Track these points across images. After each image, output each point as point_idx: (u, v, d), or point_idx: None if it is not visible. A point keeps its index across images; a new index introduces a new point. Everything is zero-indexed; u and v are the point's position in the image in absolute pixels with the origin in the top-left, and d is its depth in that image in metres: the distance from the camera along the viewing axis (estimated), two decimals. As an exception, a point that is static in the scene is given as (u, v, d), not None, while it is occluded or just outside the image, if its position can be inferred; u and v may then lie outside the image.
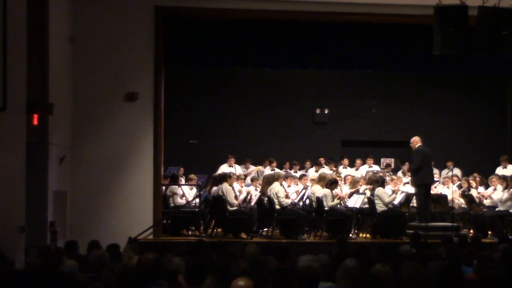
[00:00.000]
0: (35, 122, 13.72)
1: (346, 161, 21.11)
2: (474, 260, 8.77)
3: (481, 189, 18.48)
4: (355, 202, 17.19)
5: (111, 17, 16.43)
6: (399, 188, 17.90)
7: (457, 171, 20.14)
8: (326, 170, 20.16)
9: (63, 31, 15.66)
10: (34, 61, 13.68)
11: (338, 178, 18.34)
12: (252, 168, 20.58)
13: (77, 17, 16.25)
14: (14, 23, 12.13)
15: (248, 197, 17.65)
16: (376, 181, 17.58)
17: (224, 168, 19.47)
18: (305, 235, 16.80)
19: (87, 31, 16.32)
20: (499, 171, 19.27)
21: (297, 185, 18.20)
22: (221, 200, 16.74)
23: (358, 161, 21.15)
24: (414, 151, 17.33)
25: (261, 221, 17.36)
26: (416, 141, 17.29)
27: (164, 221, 17.06)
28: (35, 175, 13.82)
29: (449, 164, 20.38)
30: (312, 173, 20.09)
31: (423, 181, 17.13)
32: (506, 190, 17.20)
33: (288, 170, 20.03)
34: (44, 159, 14.39)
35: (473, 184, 18.54)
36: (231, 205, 16.75)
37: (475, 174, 19.28)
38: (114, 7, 16.42)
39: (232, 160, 20.02)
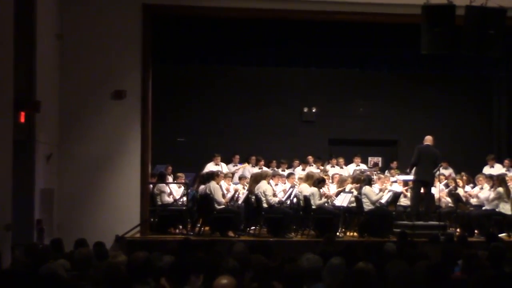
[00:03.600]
0: (22, 119, 13.66)
1: (334, 160, 21.12)
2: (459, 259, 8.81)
3: (468, 188, 18.54)
4: (342, 200, 17.22)
5: (98, 15, 16.38)
6: (386, 187, 17.95)
7: (445, 171, 20.07)
8: (313, 168, 20.18)
9: (50, 28, 15.60)
10: (21, 58, 13.61)
11: (325, 177, 18.37)
12: (239, 165, 20.60)
13: (64, 15, 16.19)
14: (1, 21, 12.10)
15: (236, 195, 17.65)
16: (363, 180, 17.63)
17: (210, 167, 19.46)
18: (293, 233, 16.80)
19: (74, 28, 16.27)
20: (486, 170, 19.36)
21: (285, 183, 18.21)
22: (208, 199, 16.73)
23: (341, 160, 21.11)
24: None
25: (249, 219, 17.36)
26: (424, 140, 17.36)
27: (152, 219, 17.05)
28: (22, 173, 13.76)
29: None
30: (299, 171, 20.12)
31: (416, 177, 17.38)
32: (492, 189, 17.26)
33: (275, 169, 20.02)
34: (31, 157, 14.32)
35: (460, 183, 18.59)
36: (219, 204, 16.75)
37: (462, 173, 19.34)
38: (101, 4, 16.37)
39: (218, 159, 20.01)
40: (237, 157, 20.86)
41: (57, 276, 7.08)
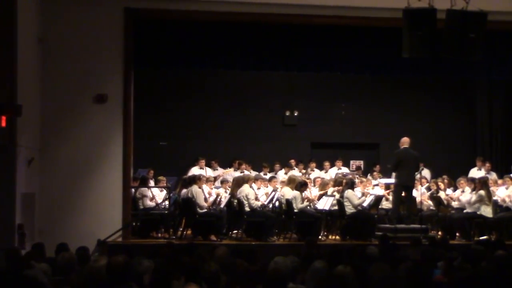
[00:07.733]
0: (3, 123, 13.60)
1: (313, 164, 21.12)
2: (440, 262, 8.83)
3: (449, 191, 18.60)
4: (325, 204, 17.24)
5: (80, 19, 16.32)
6: (368, 191, 17.98)
7: (425, 173, 20.12)
8: (295, 172, 20.20)
9: (31, 32, 15.54)
10: (2, 62, 13.58)
11: (307, 181, 18.38)
12: (220, 170, 20.56)
13: (46, 18, 16.13)
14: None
15: (218, 199, 17.63)
16: (345, 183, 17.64)
17: (194, 171, 19.40)
18: (275, 237, 16.80)
19: (56, 32, 16.22)
20: (474, 173, 19.39)
21: (267, 187, 18.18)
22: (190, 202, 16.71)
23: (327, 163, 21.17)
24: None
25: (231, 223, 17.35)
26: (401, 143, 17.33)
27: (134, 224, 17.02)
28: (3, 177, 13.72)
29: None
30: (281, 175, 20.12)
31: (397, 181, 17.38)
32: (473, 192, 17.31)
33: (257, 172, 19.98)
34: (12, 161, 14.26)
35: (442, 186, 18.65)
36: (201, 207, 16.72)
37: (443, 176, 19.38)
38: (83, 8, 16.31)
39: (203, 163, 19.95)
40: (214, 162, 20.78)
41: (37, 281, 7.05)
